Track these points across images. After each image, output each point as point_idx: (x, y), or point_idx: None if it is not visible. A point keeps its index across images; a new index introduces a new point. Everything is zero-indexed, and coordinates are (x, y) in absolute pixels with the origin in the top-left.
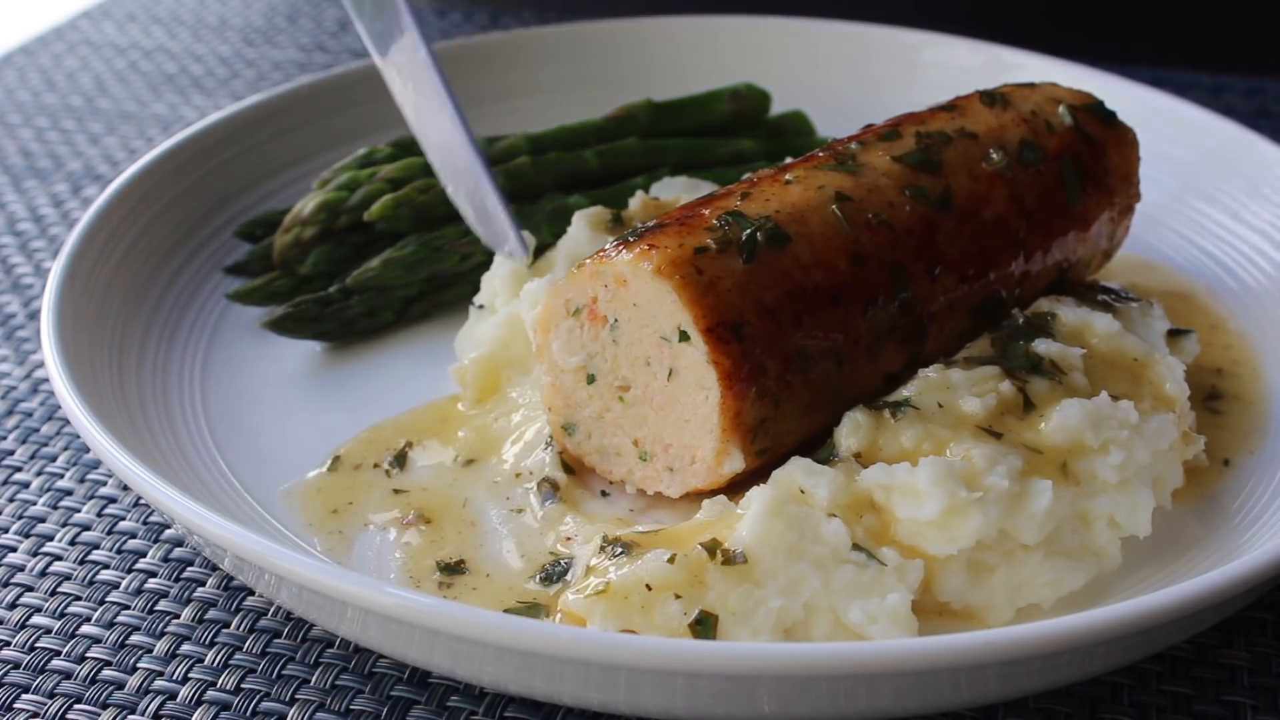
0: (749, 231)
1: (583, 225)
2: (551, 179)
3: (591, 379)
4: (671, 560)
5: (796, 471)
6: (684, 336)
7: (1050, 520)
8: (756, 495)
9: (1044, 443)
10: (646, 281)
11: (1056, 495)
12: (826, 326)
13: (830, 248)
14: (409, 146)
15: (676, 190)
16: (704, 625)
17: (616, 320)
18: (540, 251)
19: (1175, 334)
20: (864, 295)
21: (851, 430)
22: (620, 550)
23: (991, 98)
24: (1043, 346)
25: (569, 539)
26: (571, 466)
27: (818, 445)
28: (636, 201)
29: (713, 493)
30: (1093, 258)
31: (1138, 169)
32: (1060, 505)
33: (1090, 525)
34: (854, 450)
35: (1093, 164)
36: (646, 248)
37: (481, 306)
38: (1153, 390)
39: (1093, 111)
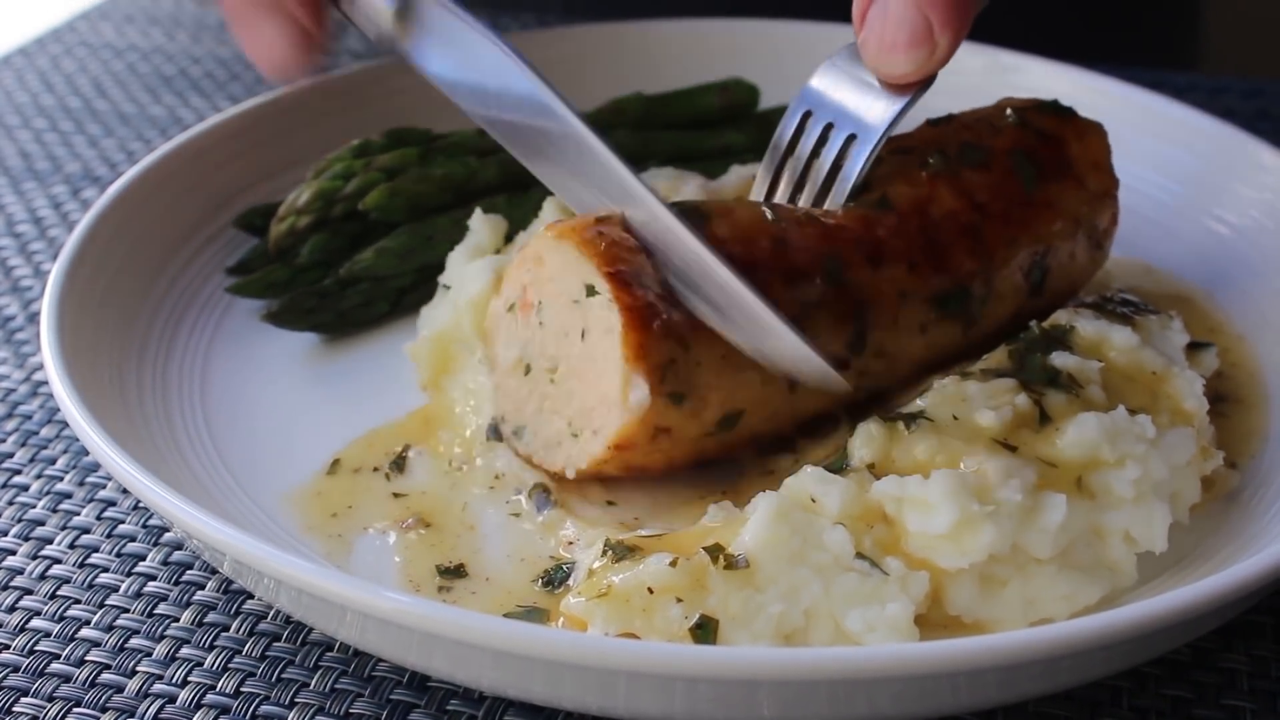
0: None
1: (553, 211)
2: None
3: (528, 369)
4: (674, 564)
5: (808, 480)
6: (591, 291)
7: (1064, 535)
8: (762, 500)
9: (1060, 456)
10: (554, 249)
11: (1071, 510)
12: None
13: (752, 229)
14: (403, 137)
15: (662, 181)
16: (705, 629)
17: (541, 302)
18: (512, 238)
19: (1194, 347)
20: (784, 269)
21: (865, 441)
22: (623, 554)
23: (938, 120)
24: (1060, 359)
25: (571, 543)
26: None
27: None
28: None
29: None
30: (1078, 248)
31: (1108, 156)
32: (1075, 520)
33: (1105, 540)
34: (867, 461)
35: (1050, 154)
36: (554, 223)
37: (449, 287)
38: (1171, 404)
39: (1045, 110)
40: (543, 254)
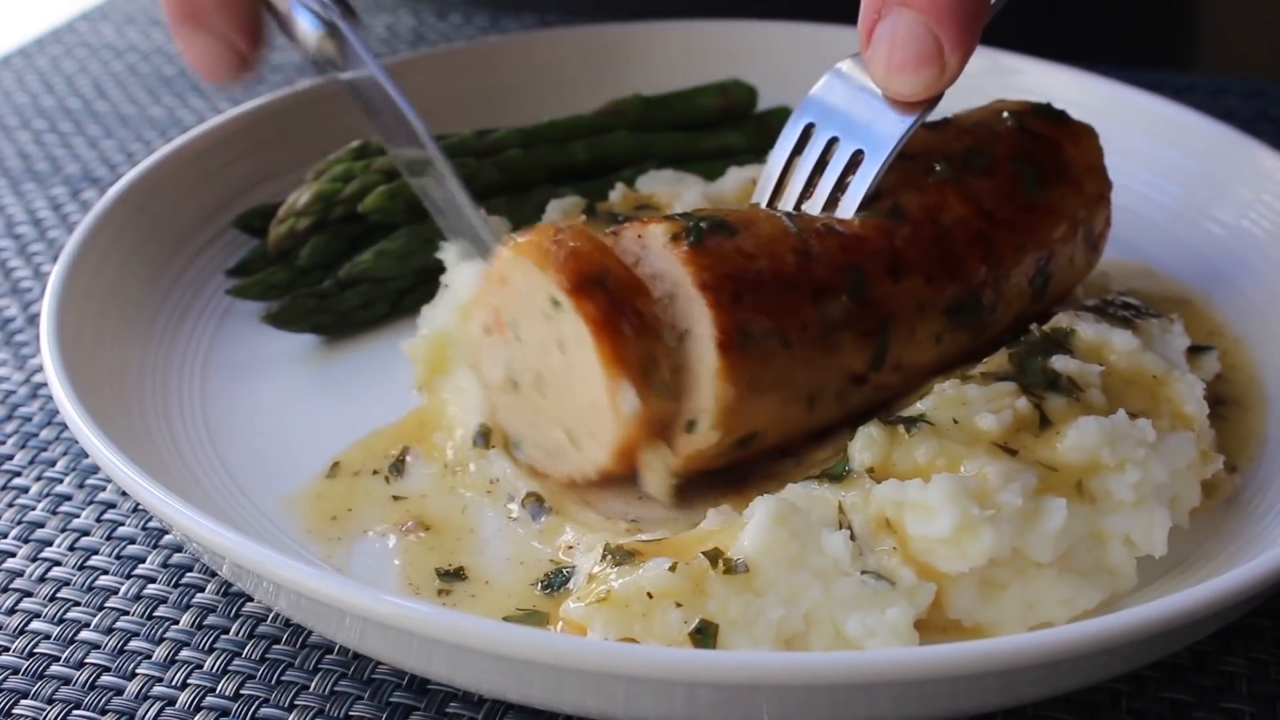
0: (694, 223)
1: (555, 214)
2: (542, 171)
3: (515, 385)
4: (673, 569)
5: (809, 485)
6: (557, 304)
7: (1064, 538)
8: (760, 505)
9: (1060, 460)
10: (514, 265)
11: (1071, 514)
12: (770, 309)
13: (777, 242)
14: None
15: (662, 183)
16: (704, 634)
17: (515, 320)
18: None
19: (1195, 350)
20: (811, 284)
21: (865, 445)
22: (622, 558)
23: (935, 124)
24: (1060, 363)
25: (570, 547)
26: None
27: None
28: (617, 193)
29: (693, 479)
30: (1076, 251)
31: (1102, 159)
32: (1075, 524)
33: (1105, 544)
34: (867, 465)
35: (1048, 158)
36: (513, 240)
37: (450, 286)
38: (1171, 408)
39: (1041, 113)
40: (505, 273)
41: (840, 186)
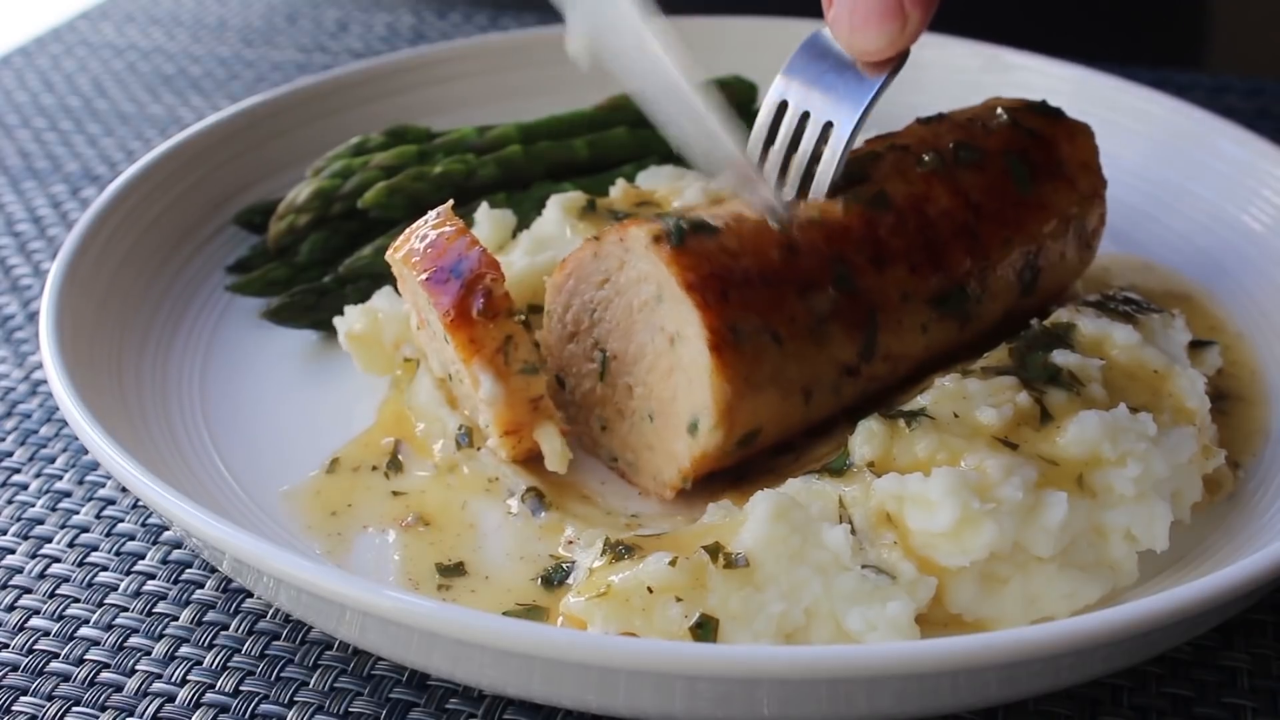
0: (674, 223)
1: (556, 210)
2: (543, 167)
3: (450, 376)
4: (673, 563)
5: (809, 479)
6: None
7: (1065, 533)
8: (760, 499)
9: (1060, 454)
10: (395, 264)
11: (1072, 508)
12: (757, 305)
13: (761, 239)
14: (402, 135)
15: (662, 179)
16: (705, 628)
17: (426, 319)
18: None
19: (1197, 345)
20: (798, 280)
21: (866, 439)
22: (622, 553)
23: (929, 119)
24: (1061, 358)
25: (570, 542)
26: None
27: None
28: (618, 189)
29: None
30: (1068, 248)
31: (1097, 156)
32: (1076, 518)
33: (1106, 538)
34: (868, 459)
35: (1042, 156)
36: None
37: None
38: (1173, 403)
39: (1036, 110)
40: (397, 271)
41: (815, 160)
